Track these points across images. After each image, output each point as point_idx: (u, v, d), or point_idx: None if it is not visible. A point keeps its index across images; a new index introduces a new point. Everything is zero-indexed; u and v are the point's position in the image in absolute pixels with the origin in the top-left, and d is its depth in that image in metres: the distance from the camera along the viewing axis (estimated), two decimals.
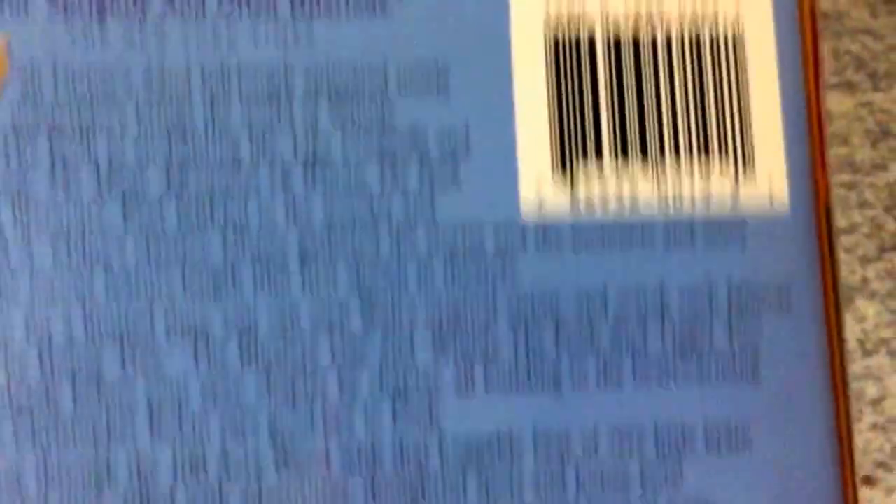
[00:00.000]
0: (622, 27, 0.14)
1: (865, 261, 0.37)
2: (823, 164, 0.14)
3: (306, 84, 0.14)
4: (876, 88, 0.44)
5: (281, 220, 0.13)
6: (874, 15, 0.45)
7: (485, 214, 0.14)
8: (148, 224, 0.13)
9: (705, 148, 0.14)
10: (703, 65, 0.14)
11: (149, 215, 0.13)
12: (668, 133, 0.14)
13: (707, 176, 0.14)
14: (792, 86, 0.14)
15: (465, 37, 0.14)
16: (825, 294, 0.14)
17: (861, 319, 0.35)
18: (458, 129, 0.14)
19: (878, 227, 0.38)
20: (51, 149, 0.13)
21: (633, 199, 0.14)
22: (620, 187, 0.14)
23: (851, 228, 0.38)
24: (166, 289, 0.13)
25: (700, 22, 0.14)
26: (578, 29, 0.14)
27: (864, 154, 0.41)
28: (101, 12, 0.13)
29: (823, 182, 0.14)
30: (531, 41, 0.14)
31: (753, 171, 0.14)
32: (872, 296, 0.36)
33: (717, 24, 0.14)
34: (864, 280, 0.36)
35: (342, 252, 0.13)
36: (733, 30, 0.14)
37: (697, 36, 0.14)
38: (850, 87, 0.44)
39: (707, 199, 0.14)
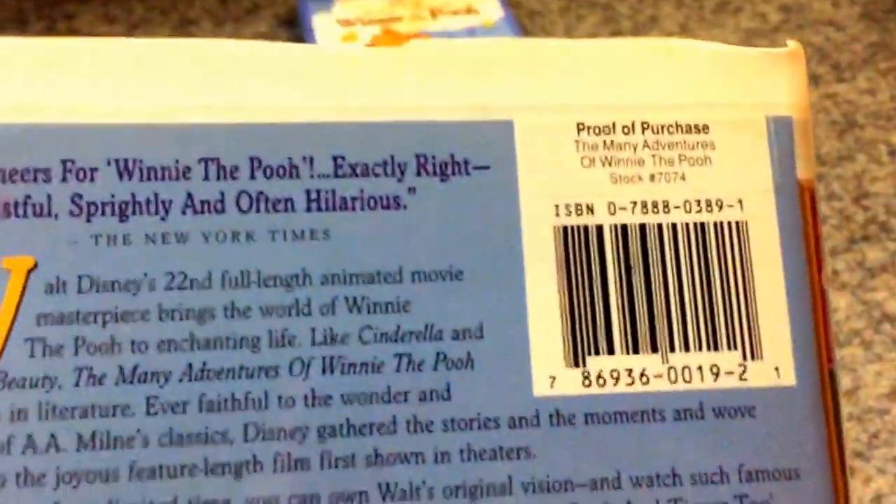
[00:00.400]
0: (629, 218, 0.15)
1: (835, 252, 0.37)
2: (828, 344, 0.15)
3: (324, 279, 0.15)
4: (839, 79, 0.44)
5: (300, 404, 0.14)
6: (836, 5, 0.45)
7: (499, 401, 0.15)
8: (170, 410, 0.14)
9: (714, 342, 0.15)
10: (709, 254, 0.15)
11: (171, 402, 0.14)
12: (678, 329, 0.15)
13: (716, 366, 0.15)
14: (795, 269, 0.15)
15: (477, 235, 0.15)
16: (832, 463, 0.14)
17: (833, 311, 0.36)
18: (472, 326, 0.15)
19: (846, 218, 0.38)
20: (75, 344, 0.14)
21: (644, 382, 0.15)
22: (632, 375, 0.15)
23: (820, 220, 0.38)
24: (189, 471, 0.14)
25: (703, 209, 0.15)
26: (586, 222, 0.15)
27: (830, 146, 0.41)
28: (123, 214, 0.14)
29: (828, 360, 0.15)
30: (542, 238, 0.15)
31: (761, 359, 0.15)
32: (843, 287, 0.36)
33: (720, 212, 0.15)
34: (835, 272, 0.37)
35: (359, 432, 0.14)
36: (737, 216, 0.15)
37: (702, 224, 0.15)
38: (813, 78, 0.44)
39: (715, 381, 0.15)
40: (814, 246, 0.15)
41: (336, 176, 0.15)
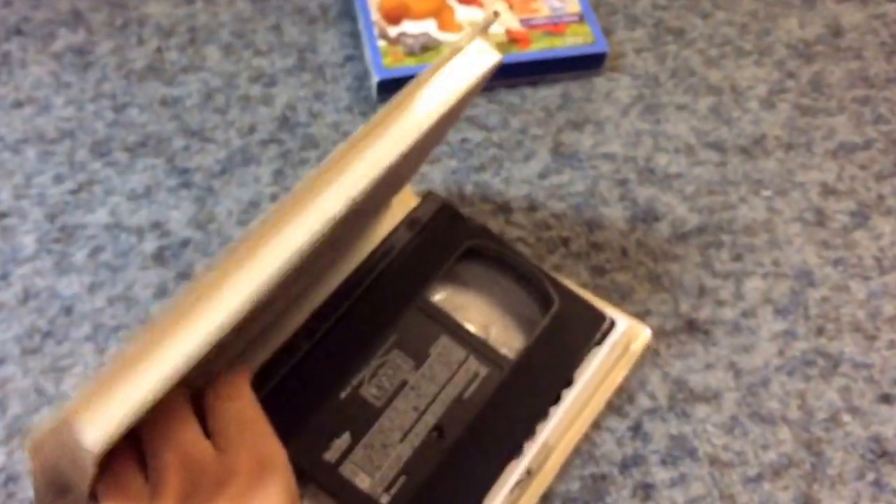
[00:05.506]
0: None
1: (881, 177, 0.36)
2: None
3: None
4: None
5: None
6: None
7: None
8: None
9: None
10: None
11: None
12: None
13: None
14: None
15: None
16: None
17: (878, 237, 0.34)
18: None
19: (893, 142, 0.37)
20: None
21: None
22: None
23: (866, 145, 0.37)
24: None
25: None
26: None
27: (878, 67, 0.40)
28: None
29: None
30: None
31: None
32: (888, 213, 0.35)
33: None
34: (880, 197, 0.35)
35: None
36: None
37: None
38: None
39: None
40: None
41: None
